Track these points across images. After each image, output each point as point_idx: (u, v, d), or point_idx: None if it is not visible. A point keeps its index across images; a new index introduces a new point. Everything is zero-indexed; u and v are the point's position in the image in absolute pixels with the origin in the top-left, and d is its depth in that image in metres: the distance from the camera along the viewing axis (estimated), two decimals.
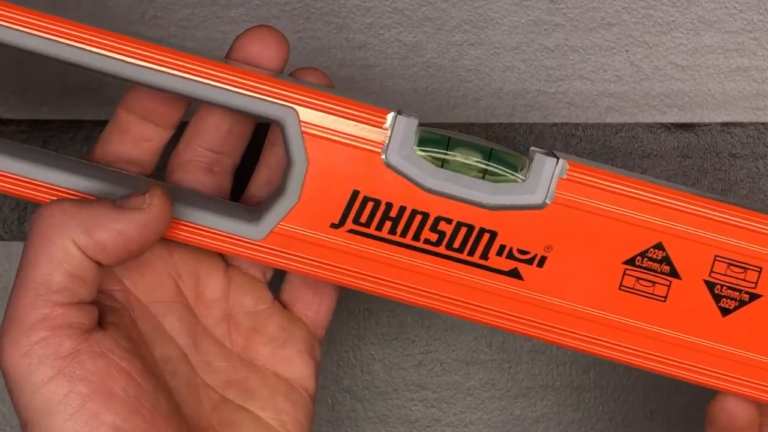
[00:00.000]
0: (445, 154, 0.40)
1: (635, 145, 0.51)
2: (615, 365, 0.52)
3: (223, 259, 0.43)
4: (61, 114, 0.50)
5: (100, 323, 0.39)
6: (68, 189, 0.40)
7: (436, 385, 0.53)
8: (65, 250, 0.37)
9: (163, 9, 0.50)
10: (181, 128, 0.43)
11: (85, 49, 0.39)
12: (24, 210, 0.51)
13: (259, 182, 0.43)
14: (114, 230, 0.37)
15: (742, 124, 0.51)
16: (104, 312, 0.39)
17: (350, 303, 0.52)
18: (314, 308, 0.44)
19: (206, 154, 0.42)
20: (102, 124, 0.47)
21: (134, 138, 0.41)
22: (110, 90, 0.50)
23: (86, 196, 0.40)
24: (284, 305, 0.44)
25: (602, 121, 0.51)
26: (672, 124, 0.51)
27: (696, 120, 0.51)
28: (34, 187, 0.40)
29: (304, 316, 0.44)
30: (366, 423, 0.53)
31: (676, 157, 0.51)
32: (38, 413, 0.37)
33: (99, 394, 0.37)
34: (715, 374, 0.41)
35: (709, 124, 0.51)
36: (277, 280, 0.45)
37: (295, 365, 0.43)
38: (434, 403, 0.53)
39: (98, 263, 0.38)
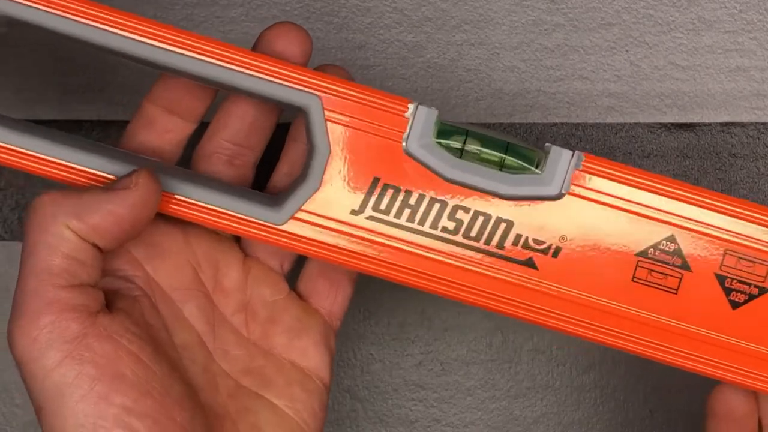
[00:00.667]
0: (464, 145, 0.41)
1: (635, 145, 0.51)
2: (615, 365, 0.52)
3: (242, 249, 0.44)
4: (61, 114, 0.50)
5: (110, 308, 0.39)
6: (88, 168, 0.41)
7: (436, 385, 0.53)
8: (60, 235, 0.38)
9: (163, 9, 0.50)
10: (205, 124, 0.44)
11: (118, 34, 0.40)
12: (24, 210, 0.51)
13: (281, 177, 0.44)
14: (104, 211, 0.38)
15: (742, 124, 0.51)
16: (115, 298, 0.40)
17: (351, 303, 0.52)
18: (330, 300, 0.45)
19: (229, 146, 0.43)
20: (102, 124, 0.47)
21: (159, 130, 0.42)
22: (110, 90, 0.50)
23: (109, 177, 0.40)
24: (300, 296, 0.45)
25: (602, 121, 0.51)
26: (672, 124, 0.51)
27: (696, 120, 0.51)
28: (55, 165, 0.41)
29: (320, 308, 0.45)
30: (366, 423, 0.53)
31: (676, 157, 0.51)
32: (50, 397, 0.37)
33: (107, 376, 0.37)
34: (723, 366, 0.42)
35: (709, 124, 0.51)
36: (293, 273, 0.46)
37: (311, 355, 0.44)
38: (434, 403, 0.53)
39: (96, 246, 0.39)
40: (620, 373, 0.53)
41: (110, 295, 0.40)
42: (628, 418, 0.53)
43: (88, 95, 0.50)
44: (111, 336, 0.38)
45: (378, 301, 0.52)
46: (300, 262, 0.46)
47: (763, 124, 0.51)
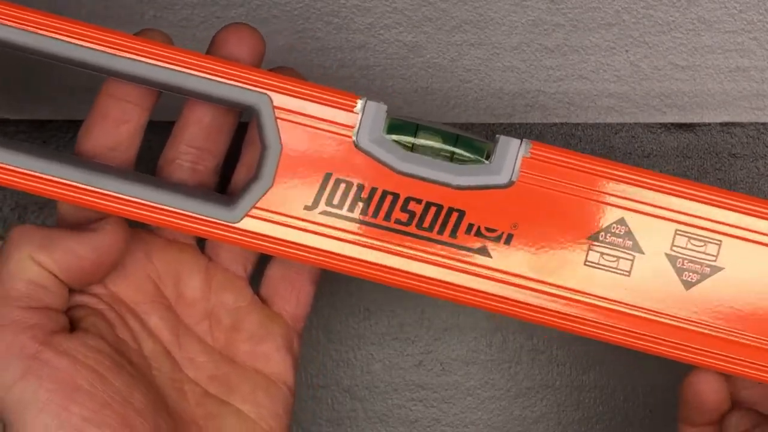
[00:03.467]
0: (414, 138, 0.41)
1: (635, 145, 0.51)
2: (615, 365, 0.52)
3: (205, 255, 0.45)
4: (61, 114, 0.50)
5: (72, 327, 0.41)
6: (57, 178, 0.41)
7: (436, 385, 0.53)
8: (22, 263, 0.40)
9: (163, 9, 0.50)
10: (167, 134, 0.44)
11: (60, 39, 0.40)
12: (24, 210, 0.51)
13: (240, 179, 0.45)
14: (67, 248, 0.40)
15: (742, 124, 0.51)
16: (79, 316, 0.42)
17: (350, 303, 0.52)
18: (292, 303, 0.46)
19: (190, 151, 0.43)
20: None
21: (114, 121, 0.42)
22: None
23: (80, 186, 0.41)
24: (263, 300, 0.46)
25: (602, 121, 0.51)
26: (672, 124, 0.51)
27: (696, 120, 0.51)
28: (23, 176, 0.41)
29: (283, 311, 0.45)
30: (366, 423, 0.53)
31: (676, 157, 0.51)
32: (13, 411, 0.39)
33: (65, 389, 0.39)
34: (679, 346, 0.42)
35: (709, 124, 0.51)
36: (257, 276, 0.46)
37: (274, 361, 0.45)
38: (434, 403, 0.53)
39: (59, 278, 0.41)
40: (620, 373, 0.53)
41: (75, 313, 0.42)
42: (628, 418, 0.53)
43: (88, 95, 0.50)
44: (67, 352, 0.39)
45: (378, 301, 0.52)
46: (262, 265, 0.46)
47: (763, 124, 0.51)
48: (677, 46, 0.51)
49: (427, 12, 0.51)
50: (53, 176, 0.41)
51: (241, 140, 0.45)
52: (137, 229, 0.44)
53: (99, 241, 0.41)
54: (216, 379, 0.44)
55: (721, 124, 0.51)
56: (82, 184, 0.41)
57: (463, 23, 0.51)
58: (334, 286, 0.52)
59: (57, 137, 0.50)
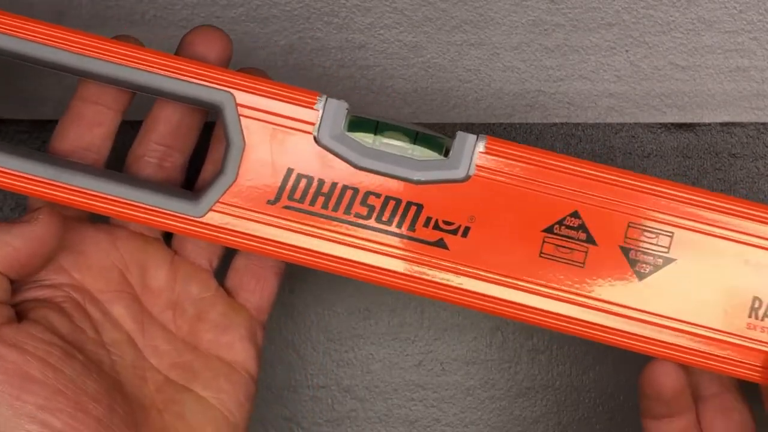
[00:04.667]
0: (375, 135, 0.43)
1: (635, 145, 0.51)
2: (615, 365, 0.52)
3: (172, 249, 0.46)
4: (61, 114, 0.50)
5: (22, 318, 0.42)
6: (28, 174, 0.42)
7: (436, 385, 0.53)
8: None
9: (163, 9, 0.50)
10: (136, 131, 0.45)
11: (32, 41, 0.42)
12: (24, 210, 0.51)
13: (207, 176, 0.46)
14: (3, 242, 0.41)
15: (742, 124, 0.51)
16: (31, 308, 0.42)
17: (350, 303, 0.52)
18: (257, 295, 0.47)
19: (158, 148, 0.45)
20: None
21: (88, 124, 0.44)
22: None
23: (50, 182, 0.42)
24: (228, 293, 0.47)
25: (602, 121, 0.51)
26: (672, 124, 0.51)
27: (696, 120, 0.51)
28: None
29: (248, 303, 0.46)
30: (366, 423, 0.53)
31: (676, 157, 0.51)
32: None
33: (16, 379, 0.40)
34: (633, 337, 0.43)
35: (709, 124, 0.51)
36: (223, 269, 0.47)
37: (237, 350, 0.46)
38: (434, 403, 0.53)
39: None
40: (620, 373, 0.53)
41: (27, 305, 0.42)
42: (628, 418, 0.53)
43: None
44: (15, 344, 0.40)
45: (378, 301, 0.52)
46: (228, 257, 0.47)
47: (763, 124, 0.51)
48: (677, 46, 0.51)
49: (427, 12, 0.51)
50: (22, 172, 0.42)
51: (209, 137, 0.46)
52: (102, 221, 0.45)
53: (32, 232, 0.42)
54: (178, 366, 0.45)
55: (721, 124, 0.51)
56: (51, 179, 0.42)
57: (463, 23, 0.51)
58: (334, 287, 0.52)
59: None
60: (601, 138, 0.51)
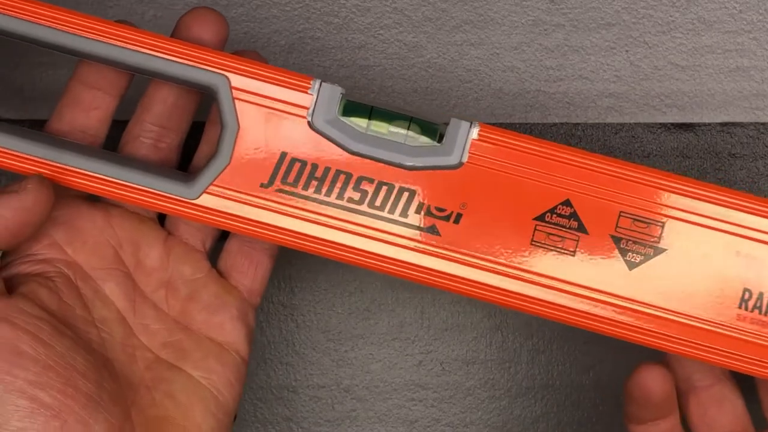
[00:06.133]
0: (369, 120, 0.43)
1: (635, 145, 0.51)
2: (615, 365, 0.52)
3: (165, 229, 0.46)
4: None
5: (13, 292, 0.42)
6: (24, 154, 0.43)
7: (436, 385, 0.53)
8: None
9: (164, 9, 0.50)
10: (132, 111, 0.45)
11: (30, 21, 0.42)
12: None
13: (201, 158, 0.46)
14: None
15: (741, 124, 0.51)
16: (21, 282, 0.42)
17: (350, 303, 0.52)
18: (249, 277, 0.47)
19: (153, 129, 0.45)
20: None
21: (85, 107, 0.44)
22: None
23: (45, 162, 0.43)
24: (221, 274, 0.47)
25: (602, 121, 0.51)
26: (672, 124, 0.51)
27: (696, 120, 0.51)
28: None
29: (240, 285, 0.47)
30: (366, 423, 0.53)
31: (676, 157, 0.51)
32: None
33: (7, 353, 0.40)
34: (623, 326, 0.43)
35: (709, 124, 0.51)
36: (216, 252, 0.47)
37: (228, 330, 0.46)
38: (434, 403, 0.53)
39: None
40: (620, 373, 0.53)
41: (17, 279, 0.43)
42: None
43: None
44: (6, 318, 0.40)
45: (378, 301, 0.52)
46: (222, 240, 0.47)
47: (763, 124, 0.51)
48: (677, 46, 0.51)
49: (427, 12, 0.51)
50: (17, 151, 0.42)
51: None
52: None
53: (21, 201, 0.41)
54: (169, 345, 0.45)
55: (721, 124, 0.51)
56: (45, 159, 0.42)
57: (463, 23, 0.51)
58: (335, 287, 0.52)
59: None
60: (601, 138, 0.51)
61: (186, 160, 0.46)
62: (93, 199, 0.45)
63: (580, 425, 0.53)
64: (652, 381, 0.44)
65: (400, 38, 0.51)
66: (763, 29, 0.51)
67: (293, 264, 0.52)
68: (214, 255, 0.47)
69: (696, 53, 0.51)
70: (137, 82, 0.45)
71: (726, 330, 0.43)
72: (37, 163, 0.42)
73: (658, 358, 0.45)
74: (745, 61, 0.51)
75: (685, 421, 0.46)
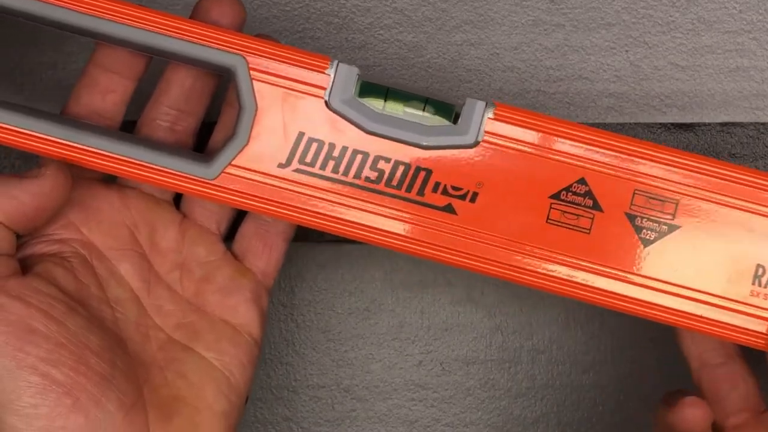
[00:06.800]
0: (385, 100, 0.43)
1: None
2: (615, 365, 0.52)
3: (180, 211, 0.46)
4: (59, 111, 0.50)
5: (28, 271, 0.42)
6: (37, 133, 0.43)
7: (436, 385, 0.53)
8: None
9: (164, 8, 0.50)
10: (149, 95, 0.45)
11: (49, 3, 0.42)
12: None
13: (218, 141, 0.46)
14: (8, 195, 0.41)
15: (741, 124, 0.51)
16: (37, 261, 0.43)
17: (350, 303, 0.52)
18: (264, 259, 0.47)
19: (170, 112, 0.45)
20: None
21: (102, 91, 0.44)
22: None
23: (65, 143, 0.43)
24: (236, 256, 0.47)
25: (602, 121, 0.51)
26: (672, 124, 0.51)
27: (696, 120, 0.51)
28: (13, 134, 0.43)
29: (254, 267, 0.47)
30: (366, 423, 0.53)
31: None
32: None
33: (19, 331, 0.40)
34: (637, 302, 0.43)
35: (709, 125, 0.51)
36: (230, 234, 0.47)
37: (241, 312, 0.46)
38: (434, 403, 0.53)
39: (3, 224, 0.42)
40: (620, 373, 0.53)
41: (33, 259, 0.43)
42: (628, 418, 0.53)
43: None
44: (20, 297, 0.40)
45: (378, 301, 0.52)
46: (236, 223, 0.47)
47: (763, 124, 0.51)
48: (677, 46, 0.51)
49: (427, 12, 0.51)
50: (36, 132, 0.42)
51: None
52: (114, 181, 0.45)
53: (40, 186, 0.42)
54: (182, 326, 0.45)
55: (721, 124, 0.51)
56: (65, 140, 0.43)
57: (463, 23, 0.51)
58: (334, 287, 0.52)
59: None
60: None
61: (198, 149, 0.46)
62: (109, 181, 0.45)
63: (580, 425, 0.53)
64: (697, 414, 0.43)
65: (400, 38, 0.51)
66: (763, 29, 0.51)
67: (293, 263, 0.52)
68: (227, 240, 0.47)
69: (696, 53, 0.51)
70: (149, 76, 0.45)
71: (739, 306, 0.43)
72: (57, 144, 0.43)
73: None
74: (745, 61, 0.51)
75: None
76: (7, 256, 0.42)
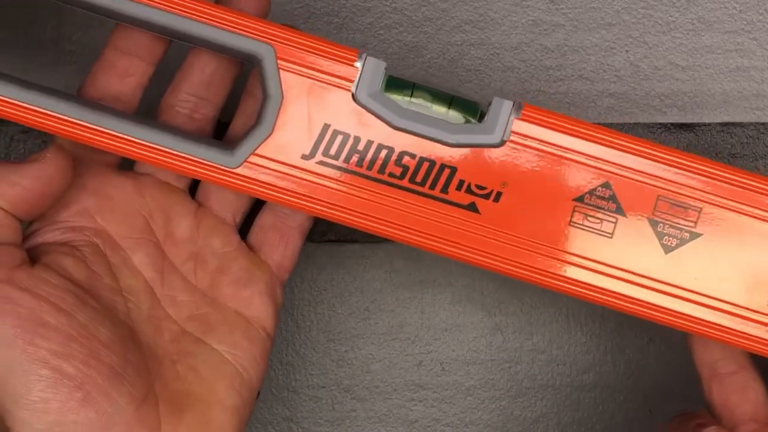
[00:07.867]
0: (411, 96, 0.43)
1: None
2: (615, 365, 0.52)
3: (196, 201, 0.46)
4: None
5: (36, 261, 0.42)
6: (60, 115, 0.42)
7: (436, 385, 0.53)
8: None
9: None
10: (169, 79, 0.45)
11: None
12: None
13: (237, 129, 0.46)
14: (10, 181, 0.41)
15: (741, 124, 0.51)
16: (46, 251, 0.42)
17: (350, 303, 0.52)
18: (279, 252, 0.47)
19: (190, 98, 0.45)
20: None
21: (120, 74, 0.44)
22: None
23: (75, 121, 0.42)
24: (251, 248, 0.47)
25: (602, 121, 0.51)
26: (672, 124, 0.51)
27: (696, 120, 0.51)
28: (30, 112, 0.42)
29: (270, 260, 0.47)
30: (366, 423, 0.53)
31: None
32: None
33: (30, 324, 0.40)
34: (655, 308, 0.43)
35: (709, 125, 0.51)
36: (245, 226, 0.47)
37: (255, 305, 0.46)
38: (434, 403, 0.53)
39: (7, 211, 0.41)
40: (620, 373, 0.53)
41: (42, 249, 0.42)
42: (628, 418, 0.53)
43: None
44: (29, 289, 0.40)
45: (378, 301, 0.52)
46: (252, 215, 0.47)
47: (763, 124, 0.51)
48: (677, 46, 0.51)
49: (427, 12, 0.51)
50: (53, 112, 0.42)
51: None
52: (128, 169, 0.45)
53: (41, 170, 0.41)
54: (195, 318, 0.45)
55: (721, 124, 0.51)
56: (83, 121, 0.42)
57: (463, 23, 0.51)
58: (334, 287, 0.52)
59: None
60: None
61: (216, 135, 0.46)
62: (124, 168, 0.45)
63: (580, 425, 0.53)
64: None
65: (400, 38, 0.51)
66: (763, 29, 0.51)
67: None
68: (242, 232, 0.47)
69: (696, 53, 0.51)
70: (167, 60, 0.45)
71: (757, 315, 0.43)
72: (71, 125, 0.42)
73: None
74: (745, 61, 0.51)
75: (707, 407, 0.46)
76: (13, 246, 0.41)
